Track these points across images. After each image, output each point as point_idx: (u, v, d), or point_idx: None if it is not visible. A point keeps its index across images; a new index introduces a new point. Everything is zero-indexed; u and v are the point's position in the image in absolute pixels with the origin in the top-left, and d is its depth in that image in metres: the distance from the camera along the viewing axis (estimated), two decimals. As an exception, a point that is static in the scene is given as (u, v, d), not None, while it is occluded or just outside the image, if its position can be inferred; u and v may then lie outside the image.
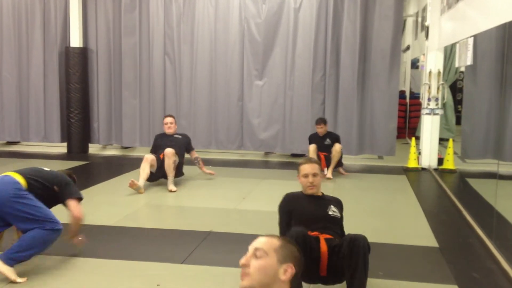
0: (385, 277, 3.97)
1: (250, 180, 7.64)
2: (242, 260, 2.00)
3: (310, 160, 3.90)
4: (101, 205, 5.90)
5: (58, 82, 10.10)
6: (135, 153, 10.00)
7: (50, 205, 4.13)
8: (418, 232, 5.21)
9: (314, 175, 3.73)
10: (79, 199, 4.27)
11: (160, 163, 7.02)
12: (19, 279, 3.77)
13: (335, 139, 7.96)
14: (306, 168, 3.75)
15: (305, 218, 3.62)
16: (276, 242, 2.02)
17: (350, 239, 3.28)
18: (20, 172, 4.06)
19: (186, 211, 5.96)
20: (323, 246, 3.36)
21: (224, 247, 4.67)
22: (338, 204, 3.85)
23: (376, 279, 3.93)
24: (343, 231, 3.77)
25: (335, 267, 3.33)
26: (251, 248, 2.04)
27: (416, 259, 4.47)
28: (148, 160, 6.93)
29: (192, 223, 5.38)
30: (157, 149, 7.28)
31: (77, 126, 9.93)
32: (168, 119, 7.50)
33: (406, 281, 3.91)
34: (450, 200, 6.56)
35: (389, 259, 4.44)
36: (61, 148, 10.23)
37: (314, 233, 3.45)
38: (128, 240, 4.83)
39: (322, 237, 3.43)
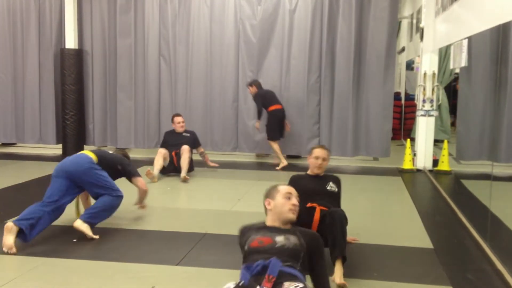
0: (379, 278, 3.97)
1: (245, 182, 7.64)
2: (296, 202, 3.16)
3: (323, 147, 4.62)
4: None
5: (53, 83, 10.09)
6: (130, 155, 9.95)
7: (114, 179, 5.21)
8: (413, 233, 5.22)
9: (324, 159, 4.45)
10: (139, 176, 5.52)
11: (171, 159, 7.89)
12: (95, 236, 4.78)
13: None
14: (318, 152, 4.46)
15: (307, 192, 4.12)
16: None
17: (331, 212, 3.97)
18: (92, 151, 5.25)
19: (181, 212, 5.96)
20: (317, 215, 4.08)
21: (219, 248, 4.67)
22: (336, 181, 4.52)
23: (370, 280, 3.95)
24: (339, 204, 4.44)
25: (323, 232, 3.86)
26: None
27: (411, 260, 4.48)
28: (162, 153, 7.81)
29: (187, 225, 5.37)
30: (167, 146, 8.04)
31: (72, 127, 9.91)
32: (179, 118, 8.24)
33: (400, 283, 3.92)
34: (445, 202, 6.57)
35: (384, 260, 4.45)
36: (57, 149, 10.20)
37: (314, 204, 4.13)
38: (123, 241, 4.83)
39: (318, 208, 4.12)
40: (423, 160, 8.65)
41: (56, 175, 4.94)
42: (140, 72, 9.81)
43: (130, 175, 5.44)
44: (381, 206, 6.36)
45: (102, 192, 5.01)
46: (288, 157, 9.52)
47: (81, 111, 10.01)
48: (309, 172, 4.52)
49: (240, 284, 2.75)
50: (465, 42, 6.20)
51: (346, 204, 5.48)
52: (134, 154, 9.69)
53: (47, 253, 4.40)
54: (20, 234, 4.46)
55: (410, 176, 8.30)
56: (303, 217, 3.75)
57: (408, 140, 8.94)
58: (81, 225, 4.75)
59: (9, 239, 4.39)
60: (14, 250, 4.36)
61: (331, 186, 4.40)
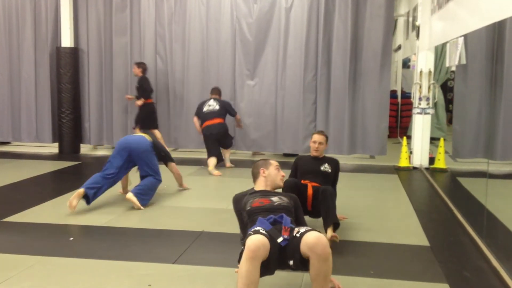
0: (376, 276, 3.98)
1: (241, 180, 7.63)
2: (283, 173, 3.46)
3: (320, 132, 5.35)
4: (92, 205, 5.88)
5: (49, 82, 10.08)
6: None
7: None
8: (409, 231, 5.24)
9: (320, 143, 5.17)
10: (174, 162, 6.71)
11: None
12: (142, 207, 5.84)
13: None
14: (315, 137, 5.22)
15: (303, 171, 5.11)
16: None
17: (322, 189, 4.66)
18: (148, 135, 6.30)
19: (177, 211, 5.95)
20: (309, 190, 4.82)
21: (216, 247, 4.67)
22: (333, 163, 5.21)
23: (367, 278, 3.95)
24: (332, 183, 5.16)
25: (316, 205, 4.75)
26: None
27: (407, 258, 4.49)
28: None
29: (184, 223, 5.37)
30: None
31: (68, 126, 9.90)
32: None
33: (397, 280, 3.93)
34: (441, 199, 6.59)
35: (380, 258, 4.46)
36: (53, 148, 10.18)
37: (306, 182, 4.93)
38: (119, 240, 4.82)
39: (310, 185, 4.87)
40: (420, 158, 8.66)
41: (119, 151, 6.06)
42: (136, 71, 9.79)
43: (169, 161, 6.63)
44: (377, 204, 6.37)
45: (150, 173, 6.16)
46: (285, 155, 9.53)
47: (77, 109, 9.99)
48: (310, 154, 5.28)
49: (269, 230, 3.34)
50: (461, 40, 6.21)
51: (342, 202, 5.53)
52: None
53: (43, 251, 4.40)
54: (84, 197, 5.69)
55: (406, 174, 8.31)
56: (299, 192, 4.53)
57: (405, 138, 8.96)
58: (133, 197, 5.85)
59: (76, 200, 5.61)
60: (74, 209, 5.57)
61: (325, 167, 5.12)
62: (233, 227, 5.28)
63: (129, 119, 9.88)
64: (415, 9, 9.78)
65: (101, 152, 10.17)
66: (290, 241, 3.28)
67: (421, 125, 8.63)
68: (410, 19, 11.00)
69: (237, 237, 4.91)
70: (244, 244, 3.21)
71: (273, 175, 3.99)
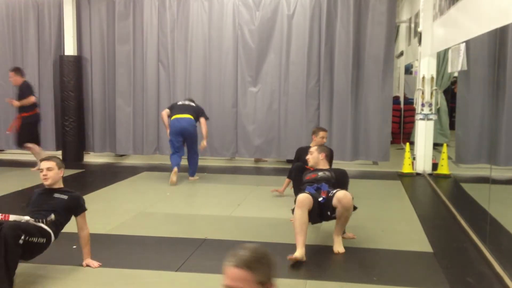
0: (379, 283, 3.98)
1: (244, 187, 7.65)
2: None
3: (324, 129, 6.78)
4: (96, 213, 5.88)
5: (52, 90, 10.10)
6: (129, 161, 10.00)
7: None
8: (413, 237, 5.23)
9: (310, 152, 5.67)
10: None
11: None
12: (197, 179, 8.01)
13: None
14: (323, 133, 6.52)
15: (305, 160, 5.75)
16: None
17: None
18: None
19: (180, 218, 5.96)
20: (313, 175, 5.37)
21: (219, 254, 4.63)
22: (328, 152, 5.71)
23: (370, 284, 3.95)
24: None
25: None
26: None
27: (411, 264, 4.49)
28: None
29: (187, 231, 5.38)
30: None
31: (72, 134, 9.91)
32: None
33: (400, 287, 3.92)
34: (445, 205, 6.58)
35: (384, 264, 4.46)
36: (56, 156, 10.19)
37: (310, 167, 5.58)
38: (122, 248, 4.83)
39: (312, 168, 5.43)
40: (423, 164, 8.65)
41: (176, 132, 7.77)
42: (138, 78, 9.81)
43: (204, 117, 8.06)
44: (380, 210, 6.37)
45: (194, 148, 8.01)
46: (288, 161, 9.52)
47: (80, 117, 10.01)
48: (312, 145, 6.33)
49: (312, 192, 4.75)
50: (463, 46, 6.22)
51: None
52: (132, 161, 9.77)
53: (46, 259, 4.39)
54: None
55: (409, 180, 8.30)
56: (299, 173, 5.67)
57: (408, 144, 8.95)
58: (194, 178, 7.99)
59: (175, 177, 7.65)
60: (176, 183, 7.60)
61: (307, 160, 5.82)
62: (237, 234, 5.30)
63: (133, 127, 9.90)
64: (417, 16, 9.79)
65: (104, 160, 10.17)
66: (327, 199, 4.66)
67: (424, 131, 8.62)
68: (412, 25, 11.01)
69: (240, 244, 4.90)
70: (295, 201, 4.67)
71: (316, 158, 5.30)
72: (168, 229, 5.45)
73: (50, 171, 4.24)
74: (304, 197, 4.57)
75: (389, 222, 5.81)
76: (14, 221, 3.87)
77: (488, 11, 5.09)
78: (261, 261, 1.98)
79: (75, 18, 9.89)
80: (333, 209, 4.63)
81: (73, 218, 4.31)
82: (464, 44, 6.18)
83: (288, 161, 9.49)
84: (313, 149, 5.40)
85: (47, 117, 10.16)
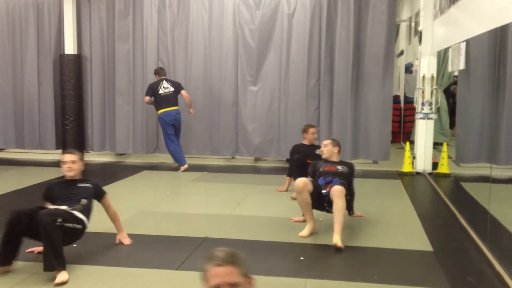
0: (379, 282, 3.97)
1: (244, 186, 7.65)
2: None
3: (310, 125, 7.34)
4: (96, 211, 5.87)
5: (52, 89, 10.09)
6: (129, 160, 9.99)
7: None
8: (413, 236, 5.23)
9: (313, 133, 7.08)
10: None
11: None
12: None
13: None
14: (309, 129, 7.17)
15: (303, 154, 6.71)
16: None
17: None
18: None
19: (181, 217, 5.95)
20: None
21: (219, 253, 4.66)
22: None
23: (370, 283, 3.95)
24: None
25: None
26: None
27: (411, 263, 4.48)
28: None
29: (187, 229, 5.37)
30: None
31: (71, 133, 9.90)
32: None
33: (400, 286, 3.92)
34: (445, 204, 6.58)
35: (384, 263, 4.45)
36: (56, 155, 10.18)
37: (309, 161, 6.08)
38: (122, 246, 4.83)
39: (311, 162, 5.92)
40: (423, 163, 8.65)
41: (169, 124, 8.70)
42: (138, 77, 9.81)
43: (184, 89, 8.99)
44: (381, 209, 6.36)
45: (179, 137, 8.99)
46: (288, 161, 9.51)
47: (80, 116, 10.00)
48: (304, 142, 7.14)
49: (321, 183, 5.24)
50: (463, 45, 6.21)
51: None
52: (132, 160, 9.76)
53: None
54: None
55: (409, 179, 8.31)
56: (304, 166, 6.32)
57: (408, 143, 8.95)
58: (185, 167, 8.72)
59: (186, 166, 8.70)
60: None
61: (318, 151, 6.26)
62: (237, 233, 5.30)
63: (132, 126, 9.90)
64: (417, 15, 9.78)
65: (104, 158, 10.17)
66: (329, 193, 4.99)
67: (424, 130, 8.62)
68: (413, 24, 11.01)
69: (240, 243, 4.93)
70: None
71: (330, 151, 5.62)
72: (168, 228, 5.45)
73: (74, 164, 4.60)
74: (299, 182, 5.01)
75: (389, 221, 5.81)
76: (50, 208, 4.25)
77: (489, 10, 5.09)
78: (238, 255, 2.11)
79: (75, 17, 9.88)
80: (331, 203, 4.95)
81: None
82: (464, 43, 6.17)
83: (288, 160, 9.49)
84: (327, 142, 5.72)
85: (47, 116, 10.17)
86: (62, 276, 3.92)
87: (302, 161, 6.53)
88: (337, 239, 4.71)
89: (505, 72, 5.93)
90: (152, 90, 8.87)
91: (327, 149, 5.64)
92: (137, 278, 4.03)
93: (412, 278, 4.08)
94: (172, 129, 8.83)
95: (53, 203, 4.47)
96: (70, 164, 4.57)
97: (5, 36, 10.22)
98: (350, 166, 5.59)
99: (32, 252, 4.46)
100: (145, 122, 9.86)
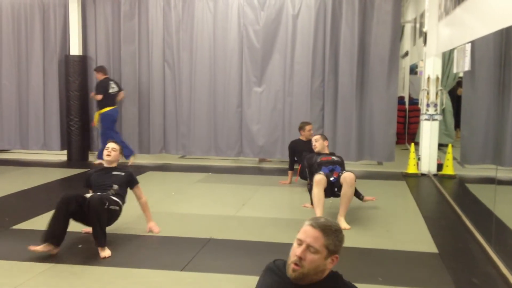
0: (384, 283, 3.97)
1: (249, 187, 7.65)
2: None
3: (306, 123, 8.05)
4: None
5: (57, 90, 10.12)
6: (134, 161, 10.00)
7: None
8: (418, 237, 5.22)
9: (309, 130, 7.84)
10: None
11: None
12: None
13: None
14: (306, 127, 7.87)
15: (300, 150, 7.48)
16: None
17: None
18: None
19: (185, 218, 5.96)
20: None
21: (224, 254, 4.67)
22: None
23: (375, 285, 3.94)
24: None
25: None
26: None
27: (416, 264, 4.48)
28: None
29: (192, 230, 5.38)
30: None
31: (77, 133, 9.93)
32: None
33: (405, 287, 3.92)
34: (450, 206, 6.56)
35: (389, 265, 4.45)
36: (61, 156, 10.22)
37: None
38: (127, 247, 4.84)
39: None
40: (428, 164, 8.63)
41: (114, 120, 9.30)
42: (144, 78, 9.83)
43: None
44: (385, 210, 6.35)
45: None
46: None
47: (85, 117, 10.03)
48: (301, 138, 7.86)
49: (326, 173, 5.72)
50: (468, 46, 6.20)
51: (350, 209, 5.54)
52: (138, 160, 9.77)
53: (52, 259, 4.42)
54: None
55: (414, 181, 8.29)
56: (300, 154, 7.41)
57: (412, 144, 8.95)
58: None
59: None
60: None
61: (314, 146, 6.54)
62: (242, 233, 5.30)
63: (138, 127, 9.91)
64: (422, 16, 9.77)
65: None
66: (337, 179, 5.62)
67: (429, 132, 8.60)
68: (418, 25, 10.99)
69: (245, 244, 4.93)
70: (312, 180, 5.76)
71: (322, 145, 6.29)
72: (173, 228, 5.46)
73: (114, 151, 5.18)
74: (321, 178, 5.54)
75: (394, 223, 5.80)
76: (98, 194, 4.77)
77: (494, 11, 5.08)
78: (334, 230, 2.28)
79: (80, 18, 9.91)
80: (340, 187, 5.57)
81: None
82: (469, 44, 6.16)
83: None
84: (318, 137, 6.41)
85: (52, 117, 10.20)
86: (106, 251, 4.50)
87: (295, 148, 7.78)
88: (342, 222, 5.37)
89: (510, 74, 5.91)
90: (104, 88, 9.37)
91: (319, 143, 6.32)
92: (141, 278, 4.04)
93: (417, 280, 4.07)
94: (114, 125, 9.58)
95: (91, 190, 5.04)
96: (111, 150, 5.15)
97: (10, 37, 10.26)
98: (341, 157, 6.24)
99: (88, 233, 4.93)
100: (151, 122, 9.87)
